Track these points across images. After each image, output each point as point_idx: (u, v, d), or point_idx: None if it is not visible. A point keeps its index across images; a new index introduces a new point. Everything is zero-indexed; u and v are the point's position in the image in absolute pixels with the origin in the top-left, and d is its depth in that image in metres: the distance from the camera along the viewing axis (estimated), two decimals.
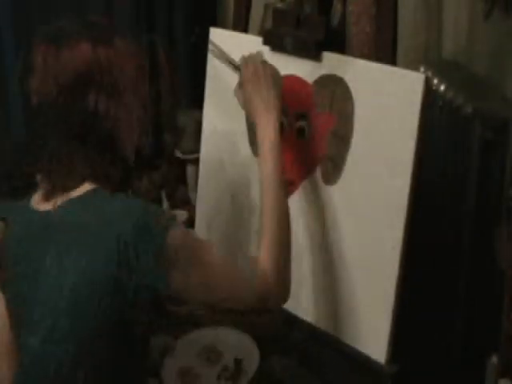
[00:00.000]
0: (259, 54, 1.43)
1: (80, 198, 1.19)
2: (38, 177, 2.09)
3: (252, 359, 1.52)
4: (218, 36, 1.69)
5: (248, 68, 1.40)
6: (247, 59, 1.42)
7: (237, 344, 1.58)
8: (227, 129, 1.66)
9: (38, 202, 1.24)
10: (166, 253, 1.13)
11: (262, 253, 1.25)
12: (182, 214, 1.99)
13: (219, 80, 1.68)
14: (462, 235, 1.33)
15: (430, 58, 1.59)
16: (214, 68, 1.69)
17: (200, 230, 1.77)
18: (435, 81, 1.40)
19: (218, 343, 1.61)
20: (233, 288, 1.23)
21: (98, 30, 1.24)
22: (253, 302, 1.25)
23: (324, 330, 1.45)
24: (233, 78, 1.60)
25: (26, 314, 1.20)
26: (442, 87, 1.39)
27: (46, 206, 1.22)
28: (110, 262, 1.11)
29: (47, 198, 1.22)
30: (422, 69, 1.44)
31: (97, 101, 1.19)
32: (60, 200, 1.20)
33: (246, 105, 1.41)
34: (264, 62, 1.42)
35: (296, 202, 1.49)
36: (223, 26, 2.18)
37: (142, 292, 1.13)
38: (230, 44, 1.65)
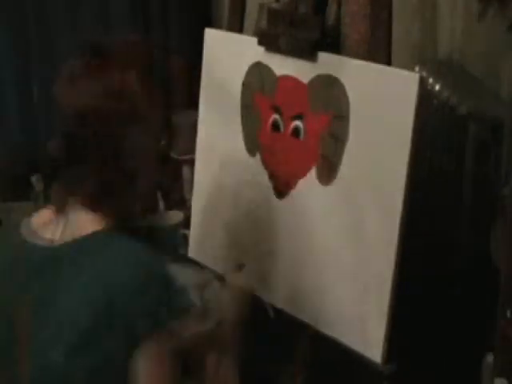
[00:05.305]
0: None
1: (92, 238, 1.18)
2: (33, 178, 2.07)
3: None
4: (213, 37, 1.69)
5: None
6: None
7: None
8: (223, 129, 1.66)
9: (38, 230, 1.23)
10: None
11: None
12: (177, 215, 1.98)
13: (214, 80, 1.68)
14: (458, 234, 1.34)
15: (425, 58, 1.59)
16: (210, 69, 1.69)
17: (195, 231, 1.77)
18: (430, 80, 1.40)
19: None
20: None
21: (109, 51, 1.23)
22: None
23: (320, 329, 1.45)
24: (228, 78, 1.60)
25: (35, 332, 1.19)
26: (437, 87, 1.39)
27: (47, 234, 1.21)
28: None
29: (50, 226, 1.21)
30: (416, 68, 1.44)
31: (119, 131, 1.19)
32: (69, 235, 1.19)
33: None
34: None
35: (291, 202, 1.49)
36: (218, 26, 2.18)
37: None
38: (226, 45, 1.65)
